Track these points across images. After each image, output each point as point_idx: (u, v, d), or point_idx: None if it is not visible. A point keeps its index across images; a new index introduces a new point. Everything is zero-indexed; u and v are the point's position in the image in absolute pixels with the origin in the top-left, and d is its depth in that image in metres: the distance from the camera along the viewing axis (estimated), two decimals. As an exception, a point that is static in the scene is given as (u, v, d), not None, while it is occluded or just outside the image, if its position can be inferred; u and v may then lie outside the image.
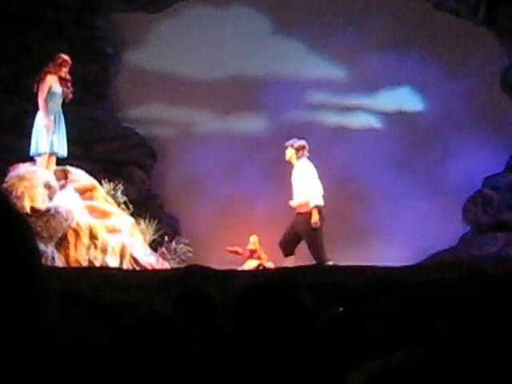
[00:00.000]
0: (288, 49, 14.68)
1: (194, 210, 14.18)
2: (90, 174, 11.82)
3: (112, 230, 11.23)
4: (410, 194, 14.15)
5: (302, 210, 11.08)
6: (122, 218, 11.62)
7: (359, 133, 14.67)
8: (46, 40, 14.06)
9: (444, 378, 1.45)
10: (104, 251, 10.95)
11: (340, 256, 11.48)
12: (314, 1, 14.68)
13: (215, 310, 3.70)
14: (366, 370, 1.43)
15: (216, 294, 3.89)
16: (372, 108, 14.80)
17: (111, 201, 11.88)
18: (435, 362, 1.46)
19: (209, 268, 9.11)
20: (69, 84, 11.30)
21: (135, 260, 11.15)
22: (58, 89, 11.25)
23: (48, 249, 10.46)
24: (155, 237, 12.44)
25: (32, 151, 11.23)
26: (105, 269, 10.23)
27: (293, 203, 11.21)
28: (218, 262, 10.84)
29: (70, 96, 11.31)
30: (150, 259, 11.38)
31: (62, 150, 11.29)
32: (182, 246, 12.68)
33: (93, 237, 10.95)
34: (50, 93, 11.19)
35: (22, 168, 11.09)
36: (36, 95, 11.20)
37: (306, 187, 11.09)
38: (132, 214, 12.07)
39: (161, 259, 11.75)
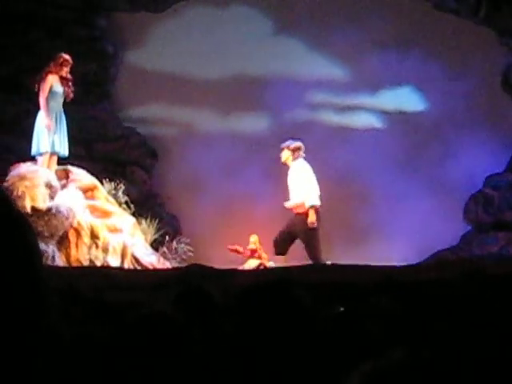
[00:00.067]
0: (288, 48, 14.68)
1: (194, 209, 14.19)
2: (92, 174, 11.82)
3: (113, 230, 11.24)
4: (411, 193, 14.15)
5: (299, 211, 11.06)
6: (124, 218, 11.63)
7: (360, 132, 14.67)
8: (47, 40, 14.06)
9: (444, 378, 1.46)
10: (105, 251, 10.96)
11: (340, 255, 11.49)
12: (314, 0, 14.68)
13: (216, 310, 3.70)
14: (366, 369, 1.44)
15: (216, 293, 3.89)
16: (373, 108, 14.80)
17: (112, 200, 11.89)
18: (435, 361, 1.46)
19: (209, 267, 9.11)
20: (70, 83, 11.31)
21: (136, 259, 11.16)
22: (58, 88, 11.26)
23: (49, 248, 10.46)
24: (156, 236, 12.45)
25: (33, 151, 11.24)
26: (106, 268, 10.24)
27: (288, 204, 11.20)
28: (219, 261, 10.84)
29: (71, 95, 11.31)
30: (151, 259, 11.39)
31: (63, 150, 11.29)
32: (182, 245, 12.69)
33: (94, 236, 10.96)
34: (51, 92, 11.20)
35: (23, 167, 11.10)
36: (37, 95, 11.20)
37: (302, 188, 11.07)
38: (133, 214, 12.08)
39: (162, 259, 11.76)
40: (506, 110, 14.51)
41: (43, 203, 10.69)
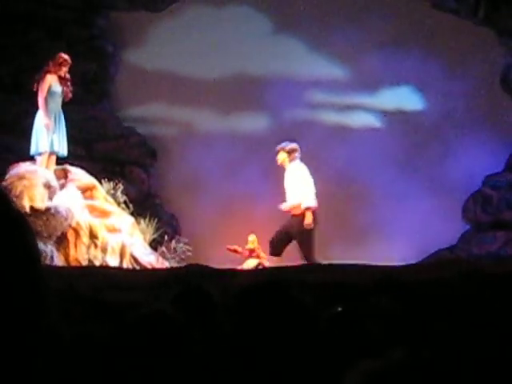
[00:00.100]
0: (288, 48, 14.68)
1: (194, 209, 14.18)
2: (90, 174, 11.82)
3: (112, 230, 11.24)
4: (410, 193, 14.15)
5: (296, 212, 11.05)
6: (122, 218, 11.62)
7: (359, 132, 14.67)
8: (47, 40, 14.06)
9: (444, 378, 1.45)
10: (104, 250, 10.95)
11: (340, 255, 11.48)
12: (314, 0, 14.68)
13: (215, 309, 3.70)
14: (364, 369, 1.43)
15: (216, 292, 3.89)
16: (372, 107, 14.80)
17: (111, 200, 11.88)
18: (435, 361, 1.46)
19: (208, 267, 9.10)
20: (68, 83, 11.30)
21: (135, 259, 11.16)
22: (57, 88, 11.25)
23: (47, 248, 10.46)
24: (155, 236, 12.45)
25: (32, 150, 11.23)
26: (105, 268, 10.23)
27: (284, 206, 11.18)
28: (218, 261, 10.84)
29: (70, 95, 11.31)
30: (149, 258, 11.38)
31: (62, 150, 11.29)
32: (181, 245, 12.69)
33: (93, 236, 10.95)
34: (49, 92, 11.19)
35: (22, 167, 11.09)
36: (36, 95, 11.20)
37: (299, 189, 11.05)
38: (132, 214, 12.07)
39: (161, 258, 11.75)
40: (506, 109, 14.51)
41: (42, 203, 10.68)
